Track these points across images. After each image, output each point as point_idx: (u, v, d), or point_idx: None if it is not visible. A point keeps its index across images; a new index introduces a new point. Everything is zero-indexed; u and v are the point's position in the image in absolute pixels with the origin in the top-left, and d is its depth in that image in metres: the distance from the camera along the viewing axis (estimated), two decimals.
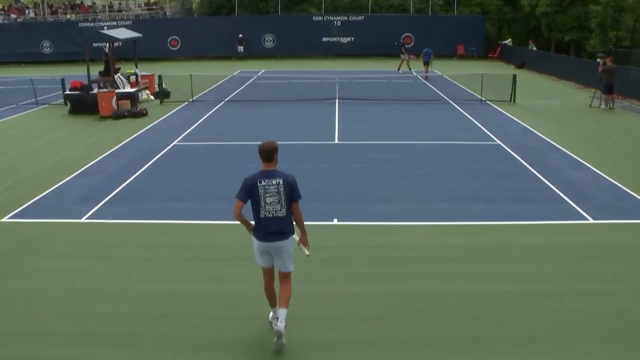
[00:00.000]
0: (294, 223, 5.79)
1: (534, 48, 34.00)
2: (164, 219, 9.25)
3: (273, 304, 5.99)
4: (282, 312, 5.66)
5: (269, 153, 5.60)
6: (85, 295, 6.86)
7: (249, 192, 5.61)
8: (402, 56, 30.12)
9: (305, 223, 5.87)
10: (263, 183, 5.58)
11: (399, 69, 30.02)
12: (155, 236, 8.69)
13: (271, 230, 5.64)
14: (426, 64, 27.97)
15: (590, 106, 19.36)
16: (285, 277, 5.85)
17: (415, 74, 28.90)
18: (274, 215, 5.62)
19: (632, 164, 12.48)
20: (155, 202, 10.14)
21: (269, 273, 5.91)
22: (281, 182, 5.60)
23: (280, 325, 5.52)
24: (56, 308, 6.58)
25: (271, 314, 6.10)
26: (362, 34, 38.45)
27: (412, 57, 30.46)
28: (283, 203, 5.62)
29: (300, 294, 6.86)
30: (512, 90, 20.35)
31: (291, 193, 5.67)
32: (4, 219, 9.33)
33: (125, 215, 9.42)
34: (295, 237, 5.83)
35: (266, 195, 5.59)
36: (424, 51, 28.13)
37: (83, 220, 9.27)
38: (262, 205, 5.60)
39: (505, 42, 37.77)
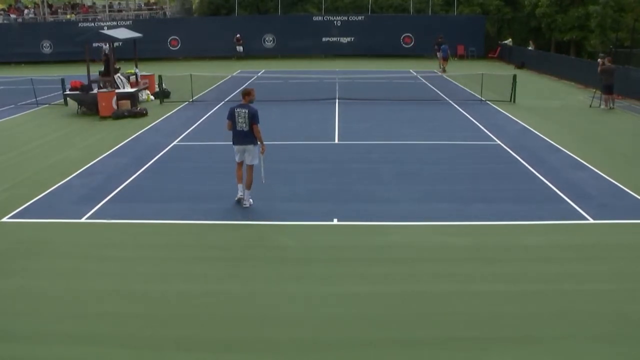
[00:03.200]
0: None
1: (532, 48, 34.01)
2: (164, 219, 9.25)
3: (240, 181, 9.79)
4: (247, 193, 9.72)
5: (248, 93, 9.59)
6: (85, 295, 6.86)
7: (231, 115, 9.53)
8: (438, 54, 31.74)
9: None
10: (238, 110, 9.48)
11: (443, 69, 30.99)
12: (155, 236, 8.69)
13: (240, 137, 9.54)
14: (445, 59, 30.86)
15: (590, 106, 19.36)
16: (250, 168, 9.65)
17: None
18: (241, 129, 9.47)
19: (632, 164, 12.48)
20: (155, 202, 10.14)
21: (239, 165, 9.77)
22: (247, 111, 9.43)
23: (248, 202, 9.68)
24: (56, 308, 6.59)
25: (240, 192, 9.85)
26: (362, 34, 38.46)
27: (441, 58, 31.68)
28: (247, 123, 9.42)
29: (301, 293, 6.88)
30: (512, 90, 20.34)
31: (252, 119, 9.41)
32: (4, 219, 9.33)
33: (125, 215, 9.42)
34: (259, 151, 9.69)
35: (239, 117, 9.44)
36: (441, 47, 31.04)
37: (83, 220, 9.27)
38: (236, 122, 9.47)
39: (506, 42, 37.75)
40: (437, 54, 32.15)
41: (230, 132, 9.66)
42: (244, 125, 9.41)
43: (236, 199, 9.83)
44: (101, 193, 10.51)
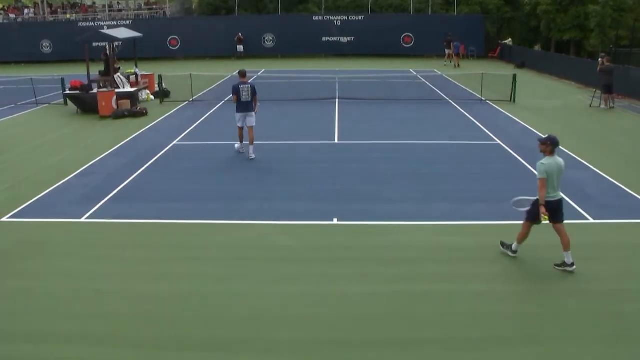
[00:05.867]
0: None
1: (539, 49, 33.97)
2: (164, 219, 9.25)
3: (242, 140, 12.99)
4: (252, 148, 12.67)
5: (245, 74, 12.66)
6: (85, 295, 6.86)
7: (237, 90, 12.46)
8: (447, 51, 34.07)
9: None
10: (242, 86, 12.45)
11: (457, 65, 32.88)
12: (155, 236, 8.69)
13: (245, 106, 12.52)
14: (457, 55, 33.91)
15: (590, 106, 19.37)
16: (251, 129, 12.64)
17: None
18: (246, 100, 12.49)
19: (632, 163, 12.47)
20: (155, 202, 10.14)
21: (241, 129, 12.81)
22: (249, 86, 12.47)
23: (253, 154, 12.63)
24: (56, 308, 6.59)
25: (238, 145, 13.16)
26: (362, 34, 38.44)
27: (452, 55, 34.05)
28: (250, 95, 12.47)
29: (301, 293, 6.88)
30: (512, 90, 20.35)
31: (253, 91, 12.48)
32: (4, 219, 9.33)
33: (125, 215, 9.42)
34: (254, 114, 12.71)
35: (243, 92, 12.44)
36: (454, 44, 33.99)
37: (83, 220, 9.27)
38: (242, 95, 12.45)
39: (506, 41, 37.75)
40: (446, 50, 34.06)
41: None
42: (249, 97, 12.46)
43: (238, 149, 13.12)
44: (101, 193, 10.51)
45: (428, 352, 5.72)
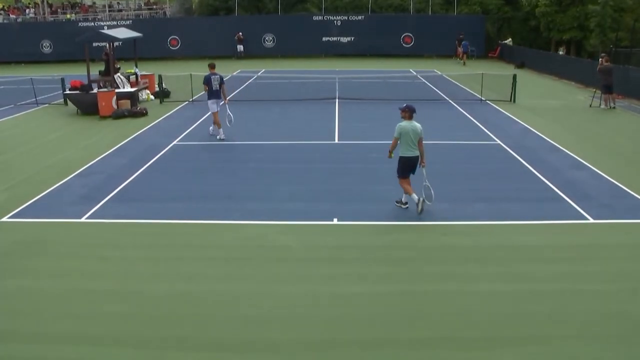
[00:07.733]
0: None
1: (563, 53, 33.87)
2: (164, 219, 9.25)
3: (218, 126, 14.71)
4: (221, 130, 14.71)
5: (214, 66, 14.65)
6: (85, 295, 6.87)
7: (208, 80, 14.37)
8: (458, 49, 35.99)
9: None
10: (212, 77, 14.41)
11: (464, 63, 34.45)
12: (155, 236, 8.69)
13: (216, 94, 14.49)
14: (465, 53, 35.40)
15: (590, 106, 19.36)
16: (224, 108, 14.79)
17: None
18: (216, 88, 14.44)
19: (632, 163, 12.47)
20: (155, 202, 10.14)
21: (216, 114, 14.62)
22: (219, 76, 14.51)
23: (223, 136, 14.67)
24: (56, 308, 6.59)
25: (211, 128, 15.14)
26: (362, 33, 38.44)
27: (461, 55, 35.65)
28: (219, 84, 14.48)
29: (300, 293, 6.88)
30: (512, 90, 20.35)
31: (221, 80, 14.52)
32: (4, 219, 9.33)
33: (125, 215, 9.42)
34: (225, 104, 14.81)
35: (214, 81, 14.40)
36: (462, 43, 35.54)
37: (83, 220, 9.27)
38: (212, 84, 14.40)
39: (506, 41, 37.74)
40: (458, 48, 35.93)
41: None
42: (218, 85, 14.47)
43: (216, 135, 14.80)
44: (101, 193, 10.51)
45: (428, 352, 5.72)
